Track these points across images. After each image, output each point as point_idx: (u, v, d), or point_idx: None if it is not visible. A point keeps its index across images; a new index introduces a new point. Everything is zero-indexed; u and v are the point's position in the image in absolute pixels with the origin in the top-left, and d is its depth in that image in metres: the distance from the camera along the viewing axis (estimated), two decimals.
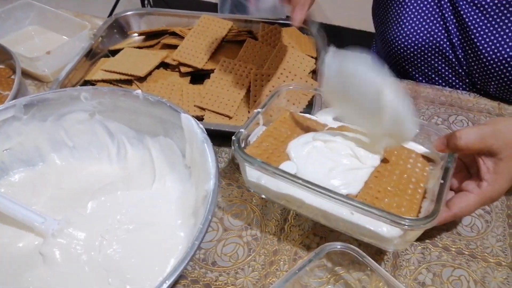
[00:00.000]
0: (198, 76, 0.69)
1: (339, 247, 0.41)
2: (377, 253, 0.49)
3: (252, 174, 0.46)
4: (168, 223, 0.45)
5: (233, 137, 0.46)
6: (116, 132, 0.53)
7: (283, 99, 0.55)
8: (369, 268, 0.43)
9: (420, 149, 0.51)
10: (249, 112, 0.62)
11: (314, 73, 0.68)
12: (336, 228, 0.47)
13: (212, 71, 0.66)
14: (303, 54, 0.68)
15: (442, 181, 0.42)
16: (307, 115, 0.56)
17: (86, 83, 0.69)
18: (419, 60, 0.74)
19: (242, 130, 0.47)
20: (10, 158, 0.51)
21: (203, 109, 0.62)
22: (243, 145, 0.47)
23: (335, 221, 0.45)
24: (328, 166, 0.46)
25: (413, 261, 0.48)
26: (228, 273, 0.46)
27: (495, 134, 0.44)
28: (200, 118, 0.61)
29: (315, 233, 0.51)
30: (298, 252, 0.49)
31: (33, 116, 0.50)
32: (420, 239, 0.50)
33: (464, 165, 0.49)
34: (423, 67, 0.75)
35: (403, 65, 0.77)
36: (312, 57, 0.71)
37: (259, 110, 0.50)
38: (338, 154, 0.47)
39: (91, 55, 0.73)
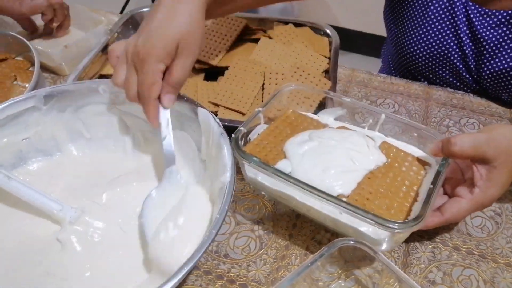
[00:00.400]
0: (213, 73, 0.69)
1: (352, 242, 0.42)
2: (388, 251, 0.49)
3: (250, 170, 0.48)
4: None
5: (233, 135, 0.47)
6: (132, 125, 0.54)
7: (286, 99, 0.56)
8: (380, 265, 0.44)
9: (417, 152, 0.51)
10: None
11: (327, 72, 0.69)
12: (326, 225, 0.48)
13: (226, 68, 0.67)
14: (316, 53, 0.69)
15: (431, 186, 0.43)
16: (310, 114, 0.57)
17: (102, 77, 0.70)
18: (425, 66, 0.74)
19: (241, 128, 0.48)
20: (28, 148, 0.52)
21: (217, 105, 0.63)
22: (242, 143, 0.48)
23: (325, 219, 0.46)
24: (322, 165, 0.47)
25: (423, 259, 0.49)
26: (240, 265, 0.47)
27: (489, 142, 0.44)
28: (214, 114, 0.62)
29: (326, 229, 0.51)
30: (309, 247, 0.49)
31: (52, 107, 0.51)
32: (431, 238, 0.51)
33: (460, 169, 0.50)
34: (430, 75, 0.75)
35: (412, 71, 0.77)
36: (325, 57, 0.71)
37: (259, 109, 0.51)
38: (333, 154, 0.48)
39: (107, 51, 0.74)
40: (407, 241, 0.50)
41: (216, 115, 0.62)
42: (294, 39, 0.71)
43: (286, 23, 0.76)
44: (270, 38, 0.73)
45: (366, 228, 0.43)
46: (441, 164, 0.46)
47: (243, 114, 0.62)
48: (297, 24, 0.76)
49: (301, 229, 0.51)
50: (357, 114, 0.56)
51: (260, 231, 0.51)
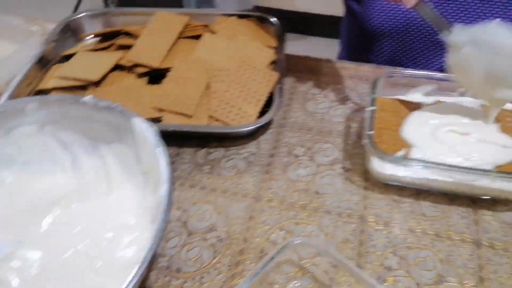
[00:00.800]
0: (157, 76, 0.66)
1: (298, 241, 0.41)
2: (343, 242, 0.49)
3: (386, 167, 0.50)
4: (127, 232, 0.44)
5: (364, 141, 0.50)
6: (69, 143, 0.51)
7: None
8: (334, 260, 0.43)
9: None
10: (209, 109, 0.60)
11: (275, 63, 0.67)
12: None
13: (169, 69, 0.65)
14: (262, 45, 0.67)
15: None
16: (400, 97, 0.59)
17: (40, 93, 0.66)
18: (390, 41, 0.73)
19: (369, 132, 0.50)
20: None
21: (162, 110, 0.60)
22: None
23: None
24: (453, 142, 0.51)
25: (379, 246, 0.48)
26: (193, 279, 0.45)
27: None
28: (158, 120, 0.60)
29: (281, 227, 0.50)
30: (264, 250, 0.48)
31: None
32: (386, 223, 0.50)
33: None
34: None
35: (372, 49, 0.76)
36: (272, 47, 0.70)
37: (373, 108, 0.53)
38: (458, 129, 0.53)
39: (44, 62, 0.71)
40: (362, 229, 0.50)
41: (160, 121, 0.60)
42: (239, 32, 0.69)
43: (231, 15, 0.74)
44: (214, 33, 0.70)
45: None
46: None
47: (190, 116, 0.60)
48: (242, 16, 0.74)
49: (255, 230, 0.50)
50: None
51: (213, 239, 0.49)
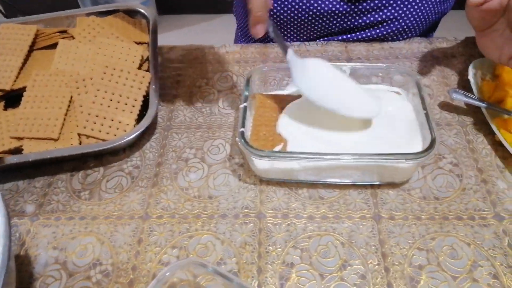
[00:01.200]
0: (13, 98, 0.57)
1: (177, 265, 0.36)
2: (242, 246, 0.45)
3: (262, 163, 0.47)
4: None
5: (237, 139, 0.46)
6: None
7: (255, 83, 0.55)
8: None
9: (387, 88, 0.55)
10: (77, 126, 0.53)
11: (149, 60, 0.60)
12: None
13: (24, 89, 0.56)
14: (129, 43, 0.60)
15: (425, 111, 0.47)
16: (278, 93, 0.56)
17: None
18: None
19: (242, 130, 0.47)
20: None
21: (21, 138, 0.52)
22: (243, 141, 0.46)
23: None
24: (322, 132, 0.49)
25: (279, 242, 0.45)
26: None
27: None
28: (19, 150, 0.52)
29: (174, 245, 0.45)
30: (157, 274, 0.43)
31: None
32: (285, 215, 0.47)
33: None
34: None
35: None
36: (144, 43, 0.63)
37: (245, 104, 0.50)
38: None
39: None
40: (260, 227, 0.46)
41: (21, 151, 0.52)
42: (101, 33, 0.61)
43: (90, 14, 0.65)
44: (72, 38, 0.62)
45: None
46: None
47: (55, 140, 0.52)
48: (105, 13, 0.66)
49: (145, 254, 0.45)
50: None
51: (98, 275, 0.43)
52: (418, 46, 0.66)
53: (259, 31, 0.46)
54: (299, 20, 0.68)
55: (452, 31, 0.80)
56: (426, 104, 0.48)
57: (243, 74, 0.64)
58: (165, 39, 0.69)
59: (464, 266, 0.42)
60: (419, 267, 0.42)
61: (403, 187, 0.49)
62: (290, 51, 0.50)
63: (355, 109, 0.48)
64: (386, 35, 0.68)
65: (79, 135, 0.53)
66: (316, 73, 0.49)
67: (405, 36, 0.69)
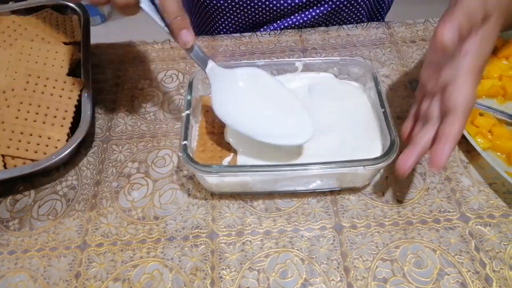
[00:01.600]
0: None
1: None
2: (192, 272, 0.40)
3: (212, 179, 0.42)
4: None
5: (180, 153, 0.41)
6: None
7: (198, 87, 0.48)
8: None
9: (340, 81, 0.50)
10: (0, 146, 0.46)
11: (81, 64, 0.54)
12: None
13: None
14: (56, 45, 0.53)
15: (383, 109, 0.43)
16: None
17: None
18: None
19: (184, 142, 0.41)
20: None
21: None
22: (191, 154, 0.41)
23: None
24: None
25: (234, 265, 0.41)
26: None
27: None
28: None
29: (116, 277, 0.40)
30: None
31: None
32: (239, 233, 0.43)
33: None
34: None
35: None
36: (76, 42, 0.56)
37: (188, 112, 0.44)
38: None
39: None
40: (212, 248, 0.42)
41: None
42: (24, 35, 0.54)
43: (13, 12, 0.57)
44: None
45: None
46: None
47: None
48: (28, 11, 0.58)
49: None
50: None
51: None
52: (376, 32, 0.62)
53: (188, 38, 0.40)
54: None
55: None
56: (384, 101, 0.44)
57: (190, 72, 0.58)
58: (117, 37, 0.63)
59: (430, 275, 0.39)
60: (383, 280, 0.39)
61: (365, 191, 0.45)
62: (210, 63, 0.44)
63: (284, 136, 0.42)
64: (338, 10, 0.63)
65: (3, 156, 0.46)
66: (240, 94, 0.43)
67: (356, 12, 0.65)
